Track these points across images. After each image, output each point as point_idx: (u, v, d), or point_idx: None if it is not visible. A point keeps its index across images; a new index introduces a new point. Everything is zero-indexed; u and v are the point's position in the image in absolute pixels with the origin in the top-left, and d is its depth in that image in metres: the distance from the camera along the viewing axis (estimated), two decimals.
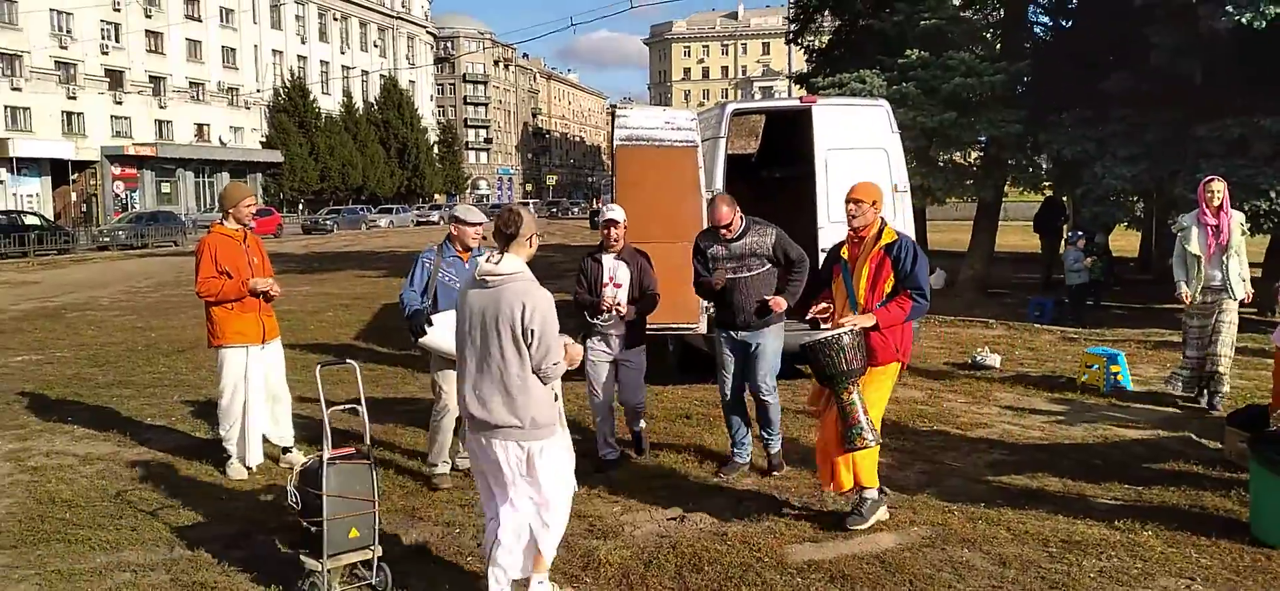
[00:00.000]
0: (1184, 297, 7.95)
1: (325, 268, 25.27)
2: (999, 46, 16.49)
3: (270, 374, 6.47)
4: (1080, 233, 14.21)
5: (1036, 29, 17.37)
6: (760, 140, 9.25)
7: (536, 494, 4.07)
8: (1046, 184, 17.04)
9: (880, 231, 5.15)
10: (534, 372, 3.96)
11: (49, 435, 7.45)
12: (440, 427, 6.08)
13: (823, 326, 5.21)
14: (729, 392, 6.25)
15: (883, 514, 5.33)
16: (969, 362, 10.03)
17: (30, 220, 35.34)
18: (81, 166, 50.55)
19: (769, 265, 6.01)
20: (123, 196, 52.20)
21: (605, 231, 6.31)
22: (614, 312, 6.17)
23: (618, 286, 6.23)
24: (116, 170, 52.24)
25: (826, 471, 5.27)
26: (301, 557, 4.44)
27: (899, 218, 8.65)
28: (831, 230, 8.52)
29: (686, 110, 8.63)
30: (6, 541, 5.20)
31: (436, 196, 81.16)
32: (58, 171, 49.09)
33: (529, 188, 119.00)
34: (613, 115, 8.50)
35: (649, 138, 8.03)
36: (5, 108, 47.05)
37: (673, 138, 8.09)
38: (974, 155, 16.40)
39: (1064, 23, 17.07)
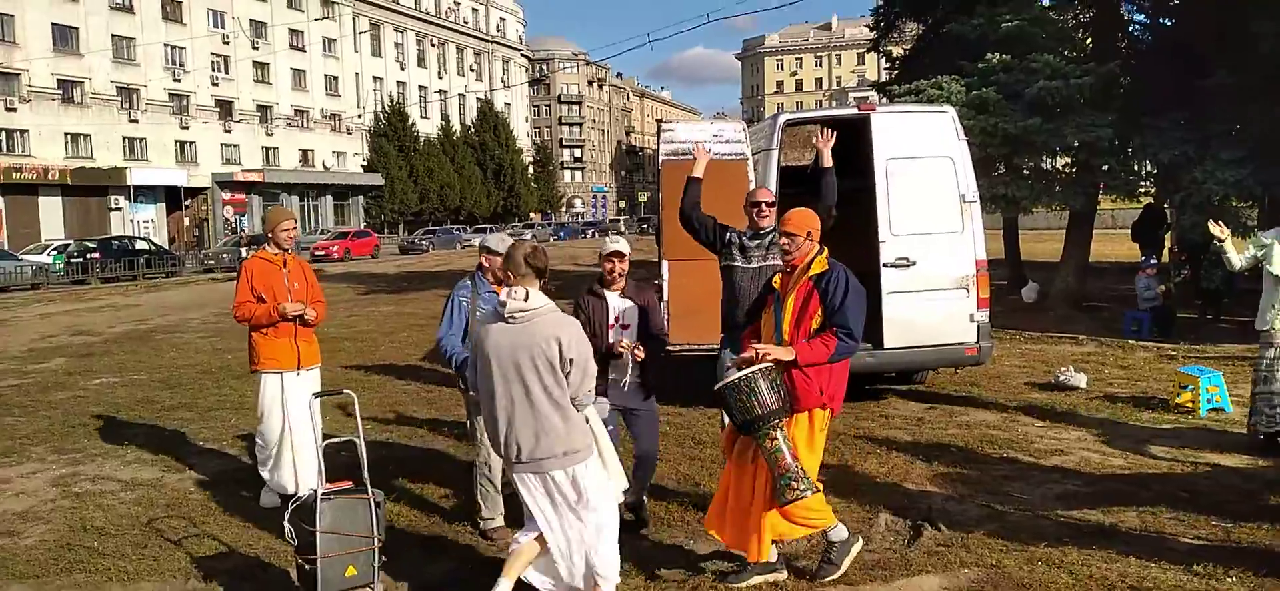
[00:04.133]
0: None
1: (412, 287, 25.65)
2: (1090, 44, 15.62)
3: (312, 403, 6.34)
4: (1152, 259, 13.40)
5: (1132, 27, 16.40)
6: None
7: (586, 512, 4.13)
8: (1143, 191, 16.01)
9: (811, 261, 4.55)
10: (571, 401, 4.06)
11: (102, 459, 7.55)
12: (484, 481, 5.62)
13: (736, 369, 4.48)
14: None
15: (857, 549, 4.76)
16: (1052, 382, 9.39)
17: (140, 245, 36.98)
18: (194, 193, 52.91)
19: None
20: (232, 221, 54.35)
21: (607, 265, 5.33)
22: (632, 356, 5.25)
23: (625, 328, 5.34)
24: (226, 196, 54.47)
25: (732, 533, 4.62)
26: None
27: (969, 229, 8.15)
28: (894, 244, 8.10)
29: (737, 122, 8.29)
30: (31, 570, 5.21)
31: (532, 215, 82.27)
32: (172, 198, 51.48)
33: (622, 205, 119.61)
34: (659, 131, 8.22)
35: None
36: (124, 138, 49.57)
37: (721, 151, 7.76)
38: (1063, 162, 15.50)
39: (1164, 20, 16.05)
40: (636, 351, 5.23)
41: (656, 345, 5.44)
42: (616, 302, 5.35)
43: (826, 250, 4.63)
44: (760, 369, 4.30)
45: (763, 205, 5.75)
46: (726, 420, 4.63)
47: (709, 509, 4.83)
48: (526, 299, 4.06)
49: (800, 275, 4.55)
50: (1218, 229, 6.94)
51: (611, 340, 5.27)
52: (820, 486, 4.54)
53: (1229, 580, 4.52)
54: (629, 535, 5.36)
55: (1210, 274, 13.33)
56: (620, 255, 5.29)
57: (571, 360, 4.02)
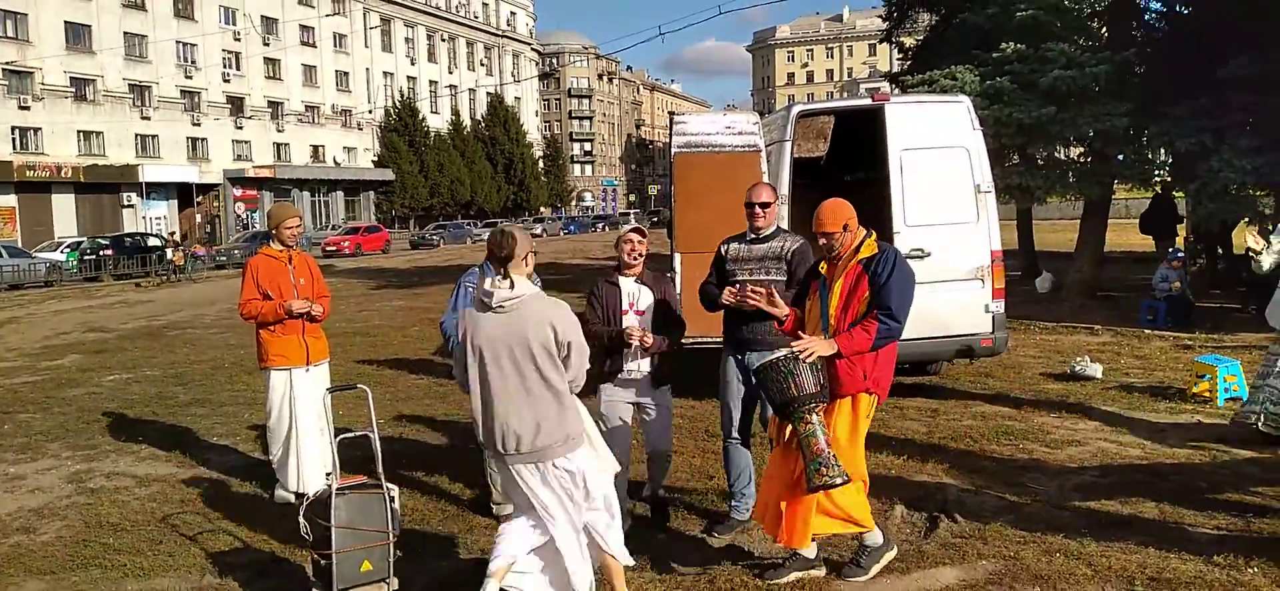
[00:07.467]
0: None
1: (424, 282, 25.66)
2: (1105, 33, 15.49)
3: (325, 398, 6.33)
4: (1180, 251, 13.19)
5: (1148, 15, 16.26)
6: (830, 142, 8.80)
7: (588, 501, 4.08)
8: (1157, 181, 15.91)
9: (860, 245, 4.38)
10: (569, 386, 4.00)
11: (116, 455, 7.58)
12: (494, 467, 5.39)
13: (778, 350, 4.37)
14: (732, 425, 5.32)
15: (890, 557, 4.65)
16: (1068, 373, 9.32)
17: (153, 242, 37.15)
18: (206, 189, 53.15)
19: (785, 276, 5.11)
20: (244, 216, 54.58)
21: (625, 245, 5.20)
22: (640, 346, 5.02)
23: (640, 314, 5.14)
24: (238, 192, 54.70)
25: (772, 520, 4.45)
26: None
27: (984, 219, 8.08)
28: (909, 234, 8.02)
29: (750, 113, 8.25)
30: (47, 567, 5.22)
31: (542, 210, 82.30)
32: (184, 194, 51.74)
33: (632, 198, 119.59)
34: (671, 123, 8.19)
35: (708, 144, 7.68)
36: (136, 136, 49.82)
37: (734, 143, 7.72)
38: (1078, 151, 15.40)
39: (1181, 7, 15.89)
40: (645, 340, 4.99)
41: (674, 334, 5.22)
42: (631, 289, 5.19)
43: (875, 234, 4.48)
44: (803, 353, 4.19)
45: (756, 206, 5.17)
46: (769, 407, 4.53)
47: (756, 500, 4.75)
48: (512, 286, 3.96)
49: (848, 259, 4.38)
50: (1254, 240, 6.82)
51: (625, 326, 5.07)
52: (862, 481, 4.43)
53: (1251, 571, 4.46)
54: (647, 530, 5.36)
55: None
56: (640, 232, 5.24)
57: (568, 344, 3.93)
